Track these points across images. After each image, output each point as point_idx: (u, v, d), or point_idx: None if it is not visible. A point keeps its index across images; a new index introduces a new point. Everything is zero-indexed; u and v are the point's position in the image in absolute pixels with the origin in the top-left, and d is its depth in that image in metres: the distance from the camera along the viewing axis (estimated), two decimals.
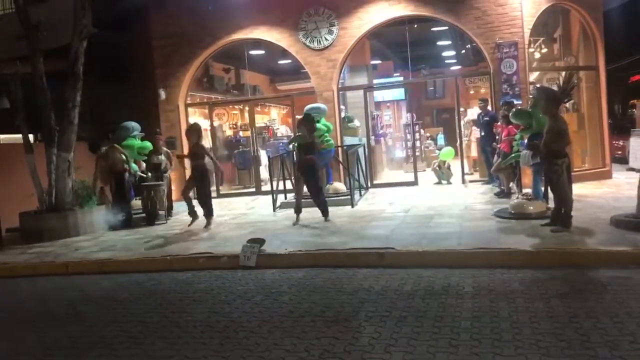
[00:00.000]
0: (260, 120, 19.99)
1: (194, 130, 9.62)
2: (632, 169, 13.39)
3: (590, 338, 3.96)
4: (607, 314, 4.45)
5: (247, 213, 11.10)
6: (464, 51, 18.55)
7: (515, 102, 10.83)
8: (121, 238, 9.34)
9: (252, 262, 7.07)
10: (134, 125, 11.28)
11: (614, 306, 4.68)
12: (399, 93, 19.52)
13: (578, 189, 10.57)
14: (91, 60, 10.62)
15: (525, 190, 9.31)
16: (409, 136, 17.22)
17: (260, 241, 7.36)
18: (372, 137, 15.92)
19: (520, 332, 4.18)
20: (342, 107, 14.45)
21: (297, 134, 9.48)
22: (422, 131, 19.36)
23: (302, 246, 7.40)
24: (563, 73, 13.00)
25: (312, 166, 9.02)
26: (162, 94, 13.22)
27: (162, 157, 10.91)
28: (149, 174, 10.89)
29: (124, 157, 10.56)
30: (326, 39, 12.51)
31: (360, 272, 6.42)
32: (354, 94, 14.80)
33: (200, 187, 9.48)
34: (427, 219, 8.74)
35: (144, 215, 10.61)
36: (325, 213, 9.16)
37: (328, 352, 4.07)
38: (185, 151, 11.25)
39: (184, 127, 13.52)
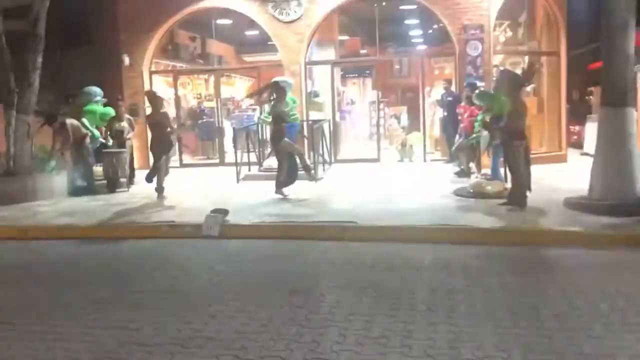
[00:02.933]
0: (226, 92, 19.85)
1: (159, 98, 9.46)
2: (587, 154, 13.85)
3: (540, 311, 4.18)
4: (556, 290, 4.69)
5: (211, 184, 11.07)
6: (431, 31, 18.70)
7: (479, 84, 11.02)
8: (81, 204, 9.22)
9: (216, 232, 7.10)
10: (96, 90, 11.05)
11: (563, 283, 4.92)
12: (365, 69, 19.60)
13: (535, 171, 10.86)
14: (53, 22, 10.31)
15: (484, 170, 9.57)
16: (373, 113, 17.34)
17: (224, 211, 7.39)
18: (337, 113, 16.03)
19: (474, 305, 4.38)
20: (309, 81, 14.47)
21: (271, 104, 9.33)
22: (386, 109, 19.51)
23: (266, 218, 7.47)
24: (526, 57, 13.32)
25: (280, 137, 9.01)
26: (126, 60, 12.94)
27: (124, 124, 10.74)
28: (111, 140, 10.72)
29: (82, 124, 10.37)
30: (295, 12, 12.42)
31: (323, 244, 6.54)
32: (320, 69, 14.80)
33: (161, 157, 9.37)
34: (388, 196, 8.90)
35: (105, 182, 10.46)
36: (284, 187, 9.07)
37: (290, 319, 4.18)
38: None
39: None
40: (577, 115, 17.94)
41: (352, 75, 21.35)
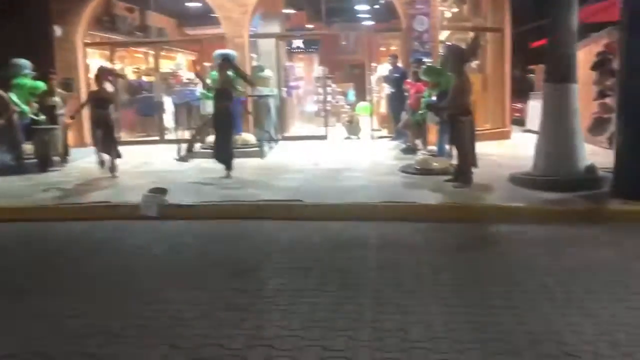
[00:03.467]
0: (166, 66, 19.13)
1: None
2: (529, 131, 14.11)
3: (487, 289, 4.11)
4: (502, 266, 4.65)
5: (150, 162, 10.62)
6: (378, 6, 18.54)
7: (426, 59, 10.93)
8: (10, 184, 8.63)
9: (154, 213, 6.76)
10: (24, 63, 10.34)
11: (509, 259, 4.90)
12: (311, 44, 19.26)
13: (480, 148, 10.92)
14: None
15: (430, 147, 9.52)
16: (320, 90, 17.09)
17: (163, 191, 7.05)
18: (284, 89, 15.71)
19: (421, 283, 4.27)
20: (254, 55, 14.07)
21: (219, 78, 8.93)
22: (333, 86, 19.31)
23: (208, 197, 7.17)
24: (471, 33, 13.35)
25: (228, 115, 8.66)
26: (58, 31, 12.16)
27: (57, 99, 10.12)
28: (42, 116, 10.08)
29: (10, 99, 9.69)
30: None
31: (267, 224, 6.32)
32: (265, 43, 14.42)
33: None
34: (335, 173, 8.75)
35: (35, 161, 9.85)
36: (229, 167, 8.77)
37: (232, 304, 3.96)
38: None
39: (82, 68, 12.64)
40: (519, 92, 18.30)
41: (298, 50, 20.97)
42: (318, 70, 19.62)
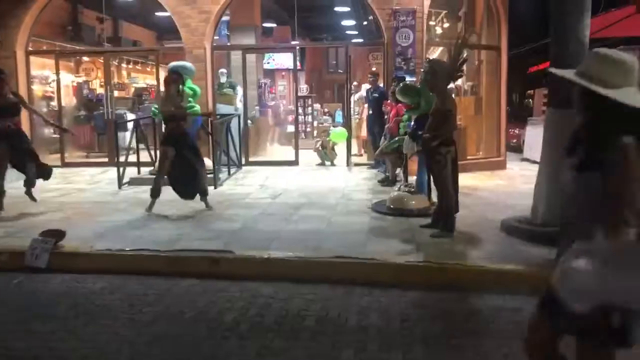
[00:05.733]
0: (144, 80, 17.74)
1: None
2: (527, 159, 12.70)
3: None
4: None
5: (85, 189, 9.10)
6: (366, 23, 17.24)
7: (409, 78, 9.48)
8: None
9: (42, 263, 5.22)
10: None
11: (497, 354, 3.38)
12: (291, 61, 17.91)
13: (470, 180, 9.56)
14: None
15: (412, 179, 8.01)
16: (300, 109, 15.68)
17: (59, 234, 5.52)
18: (257, 108, 14.30)
19: None
20: (223, 70, 12.66)
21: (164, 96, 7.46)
22: (317, 105, 17.90)
23: (120, 242, 5.62)
24: (465, 52, 11.93)
25: (187, 136, 7.19)
26: None
27: None
28: None
29: None
30: None
31: (181, 284, 4.81)
32: (238, 57, 13.05)
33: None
34: (293, 209, 7.24)
35: None
36: (205, 194, 7.34)
37: None
38: None
39: (22, 77, 11.17)
40: (517, 117, 16.94)
41: (281, 68, 19.61)
42: (300, 88, 18.33)
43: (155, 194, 7.14)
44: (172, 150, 7.01)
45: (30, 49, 11.39)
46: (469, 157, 11.38)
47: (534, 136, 12.46)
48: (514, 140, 15.65)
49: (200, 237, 5.84)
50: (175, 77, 7.35)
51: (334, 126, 14.80)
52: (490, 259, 5.04)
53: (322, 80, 24.24)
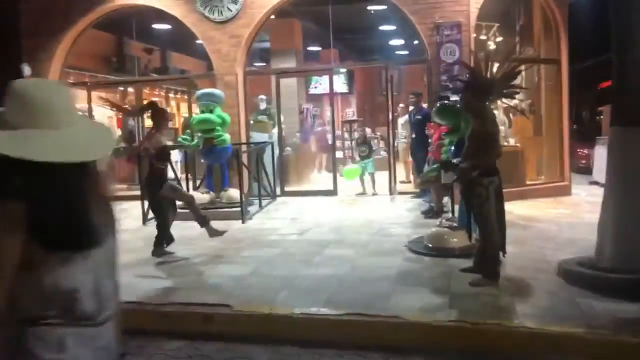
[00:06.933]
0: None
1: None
2: (596, 183, 11.35)
3: None
4: None
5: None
6: (417, 42, 16.35)
7: (454, 98, 8.51)
8: None
9: None
10: None
11: None
12: (342, 85, 17.24)
13: (527, 209, 8.49)
14: None
15: (449, 214, 7.02)
16: (346, 135, 14.93)
17: None
18: (297, 134, 13.65)
19: None
20: (262, 97, 12.11)
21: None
22: (366, 130, 17.04)
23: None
24: (522, 67, 10.85)
25: (166, 178, 6.49)
26: (26, 70, 10.55)
27: None
28: None
29: None
30: (229, 9, 9.97)
31: (166, 346, 4.07)
32: (285, 83, 12.51)
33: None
34: (318, 248, 6.42)
35: None
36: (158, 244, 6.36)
37: None
38: None
39: None
40: (586, 136, 15.55)
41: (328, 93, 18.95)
42: (346, 112, 17.62)
43: (168, 241, 6.44)
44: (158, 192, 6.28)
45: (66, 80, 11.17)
46: (528, 183, 10.25)
47: (603, 157, 11.16)
48: (583, 161, 14.29)
49: (201, 285, 5.12)
50: (163, 116, 6.60)
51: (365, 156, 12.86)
52: (542, 316, 4.02)
53: (376, 103, 23.38)
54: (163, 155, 6.30)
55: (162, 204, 6.34)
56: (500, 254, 4.96)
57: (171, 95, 16.81)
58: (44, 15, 10.54)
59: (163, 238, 6.29)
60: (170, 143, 9.15)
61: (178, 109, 17.39)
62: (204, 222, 6.43)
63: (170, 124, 14.74)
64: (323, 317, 4.17)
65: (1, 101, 1.59)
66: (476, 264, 5.05)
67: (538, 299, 4.43)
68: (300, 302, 4.49)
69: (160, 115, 6.46)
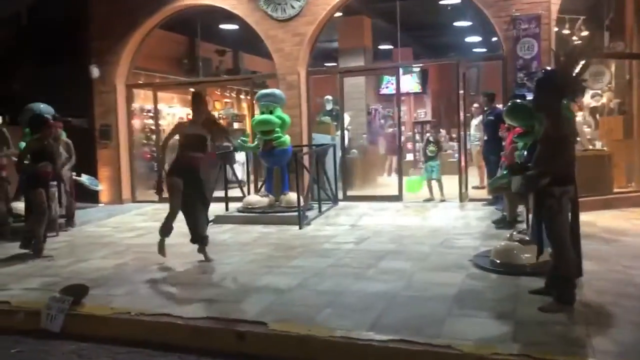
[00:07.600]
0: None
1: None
2: None
3: None
4: None
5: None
6: (495, 39, 15.46)
7: (530, 97, 7.76)
8: None
9: (56, 327, 4.49)
10: (42, 107, 8.86)
11: None
12: (414, 84, 16.63)
13: (614, 220, 7.66)
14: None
15: (523, 225, 6.33)
16: (417, 137, 14.32)
17: (81, 290, 4.77)
18: (364, 136, 13.19)
19: None
20: (329, 97, 11.77)
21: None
22: (442, 132, 16.28)
23: (145, 302, 4.74)
24: (613, 65, 9.86)
25: (197, 170, 6.18)
26: (95, 72, 10.69)
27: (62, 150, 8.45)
28: None
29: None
30: (292, 7, 9.65)
31: None
32: (352, 82, 12.14)
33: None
34: (374, 259, 5.95)
35: None
36: (203, 242, 6.25)
37: None
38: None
39: (122, 112, 11.07)
40: None
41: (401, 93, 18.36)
42: (417, 113, 16.96)
43: (164, 232, 6.20)
44: (180, 182, 6.00)
45: (129, 82, 11.28)
46: (615, 191, 9.27)
47: None
48: None
49: (241, 297, 4.78)
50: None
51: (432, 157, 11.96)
52: (624, 354, 3.37)
53: (451, 104, 22.52)
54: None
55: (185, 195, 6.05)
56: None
57: (242, 96, 16.79)
58: (111, 18, 10.67)
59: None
60: (228, 144, 9.01)
61: (249, 109, 17.37)
62: None
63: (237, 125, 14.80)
64: (365, 343, 3.70)
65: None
66: (548, 285, 4.42)
67: (620, 332, 3.75)
68: (344, 322, 4.05)
69: (198, 103, 6.23)
